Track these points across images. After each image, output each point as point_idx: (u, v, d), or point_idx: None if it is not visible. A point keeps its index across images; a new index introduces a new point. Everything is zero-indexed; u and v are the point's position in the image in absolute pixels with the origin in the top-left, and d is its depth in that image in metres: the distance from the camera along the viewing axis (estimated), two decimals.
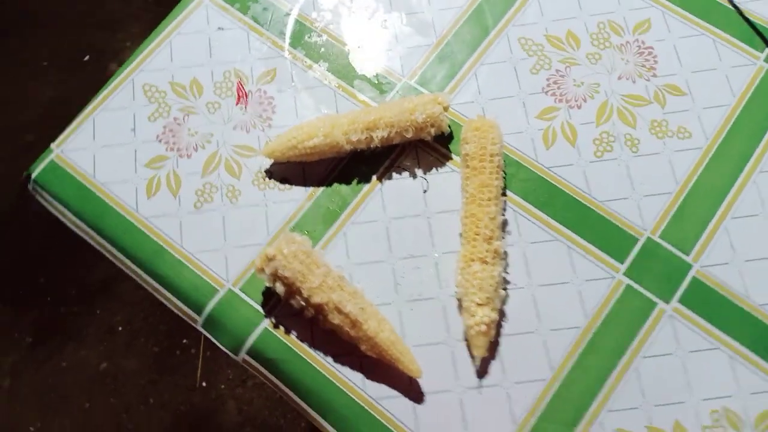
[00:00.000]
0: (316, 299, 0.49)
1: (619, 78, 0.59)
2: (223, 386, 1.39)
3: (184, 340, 1.40)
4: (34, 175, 0.58)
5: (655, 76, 0.59)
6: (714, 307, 0.51)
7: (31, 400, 1.41)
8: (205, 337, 0.53)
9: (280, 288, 0.50)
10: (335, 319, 0.49)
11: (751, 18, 0.60)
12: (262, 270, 0.50)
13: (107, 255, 0.57)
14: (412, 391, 0.50)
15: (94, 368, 1.43)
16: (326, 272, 0.50)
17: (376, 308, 0.51)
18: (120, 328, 1.45)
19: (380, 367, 0.50)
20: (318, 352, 0.52)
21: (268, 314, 0.53)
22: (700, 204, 0.54)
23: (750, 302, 0.51)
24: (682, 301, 0.52)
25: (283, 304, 0.52)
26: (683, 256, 0.53)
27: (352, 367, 0.51)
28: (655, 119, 0.57)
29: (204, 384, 1.40)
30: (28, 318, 1.48)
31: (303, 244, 0.51)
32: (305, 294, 0.49)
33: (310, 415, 0.51)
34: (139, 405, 1.39)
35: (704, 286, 0.52)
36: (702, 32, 0.60)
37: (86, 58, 1.66)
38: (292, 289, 0.50)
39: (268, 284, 0.51)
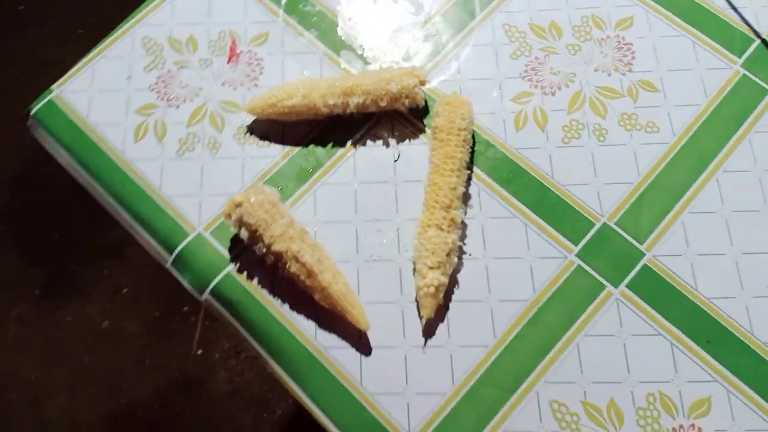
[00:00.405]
0: (277, 247, 0.52)
1: (596, 70, 0.61)
2: (217, 355, 1.42)
3: (185, 308, 1.43)
4: (33, 112, 0.62)
5: (630, 71, 0.60)
6: (661, 295, 0.53)
7: (34, 350, 1.45)
8: (206, 308, 0.55)
9: (244, 234, 0.53)
10: (293, 267, 0.52)
11: (734, 24, 0.62)
12: (229, 215, 0.53)
13: (92, 192, 0.60)
14: (361, 344, 0.52)
15: (97, 325, 1.47)
16: (289, 223, 0.53)
17: (334, 263, 0.53)
18: (125, 290, 1.49)
19: (333, 319, 0.52)
20: (276, 299, 0.54)
21: (233, 260, 0.55)
22: (660, 196, 0.56)
23: (698, 294, 0.53)
24: (630, 286, 0.53)
25: (248, 251, 0.55)
26: (636, 244, 0.54)
27: (307, 316, 0.53)
28: (626, 112, 0.59)
29: (199, 352, 1.43)
30: (39, 272, 1.52)
31: (270, 195, 0.54)
32: (267, 241, 0.52)
33: (263, 358, 0.53)
34: (134, 365, 1.43)
35: (654, 274, 0.54)
36: (683, 33, 0.62)
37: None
38: (255, 236, 0.53)
39: (233, 229, 0.54)
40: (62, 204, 1.54)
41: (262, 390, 1.35)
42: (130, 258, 1.49)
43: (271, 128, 0.60)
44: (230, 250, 0.56)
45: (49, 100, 0.62)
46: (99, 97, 0.62)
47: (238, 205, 0.52)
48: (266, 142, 0.60)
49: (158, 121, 0.61)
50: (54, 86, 0.63)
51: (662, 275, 0.53)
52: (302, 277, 0.52)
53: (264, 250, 0.53)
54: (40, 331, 1.47)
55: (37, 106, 0.62)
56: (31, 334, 1.47)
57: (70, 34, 1.73)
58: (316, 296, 0.52)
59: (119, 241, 1.49)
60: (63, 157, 0.60)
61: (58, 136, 0.61)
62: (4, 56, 1.70)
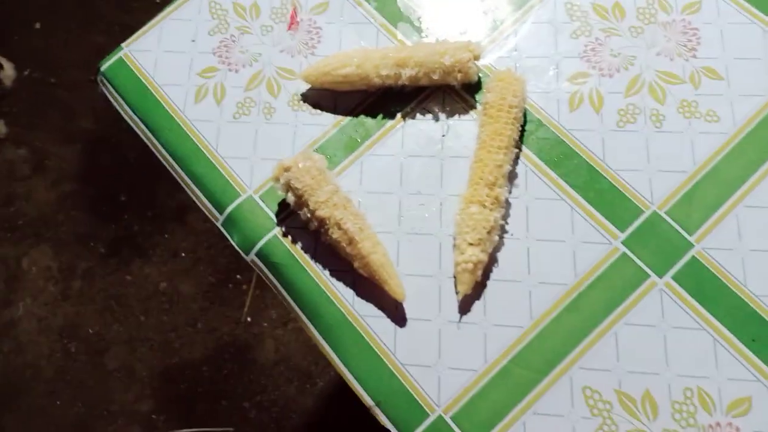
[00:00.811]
0: (320, 213, 0.53)
1: (658, 54, 0.59)
2: (265, 324, 1.46)
3: (238, 276, 1.48)
4: (102, 69, 0.65)
5: (694, 57, 0.58)
6: (708, 289, 0.51)
7: (95, 305, 1.53)
8: (257, 277, 0.57)
9: (290, 198, 0.54)
10: (335, 233, 0.53)
11: None
12: (277, 179, 0.55)
13: (151, 148, 0.63)
14: (396, 315, 0.53)
15: (155, 286, 1.54)
16: (334, 190, 0.54)
17: (375, 233, 0.54)
18: (183, 254, 1.55)
19: (371, 288, 0.53)
20: (317, 264, 0.55)
21: (279, 223, 0.57)
22: (715, 188, 0.54)
23: (746, 290, 0.51)
24: (675, 277, 0.52)
25: (294, 216, 0.56)
26: (686, 235, 0.53)
27: (346, 283, 0.55)
28: (686, 99, 0.57)
29: (249, 320, 1.47)
30: (105, 230, 1.59)
31: (318, 162, 0.55)
32: (311, 206, 0.53)
33: (300, 318, 0.55)
34: (186, 327, 1.48)
35: (702, 267, 0.52)
36: (753, 20, 0.59)
37: None
38: (301, 201, 0.54)
39: (281, 193, 0.55)
40: (132, 167, 1.60)
41: (306, 361, 1.38)
42: (190, 224, 1.54)
43: (324, 97, 0.61)
44: (277, 213, 0.57)
45: (119, 58, 0.65)
46: (165, 57, 0.64)
47: (287, 169, 0.54)
48: (318, 111, 0.61)
49: (218, 84, 0.63)
50: (123, 44, 0.65)
51: (710, 268, 0.52)
52: (343, 243, 0.53)
53: (309, 215, 0.54)
54: (103, 287, 1.54)
55: (107, 63, 0.65)
56: (93, 290, 1.54)
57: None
58: (356, 264, 0.53)
59: (181, 206, 1.54)
60: (128, 113, 0.63)
61: (124, 93, 0.63)
62: (88, 22, 1.77)
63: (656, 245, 0.53)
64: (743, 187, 0.54)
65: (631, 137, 0.56)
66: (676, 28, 0.59)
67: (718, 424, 0.48)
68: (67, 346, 1.46)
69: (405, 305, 0.53)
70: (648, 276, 0.52)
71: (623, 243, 0.53)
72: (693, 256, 0.52)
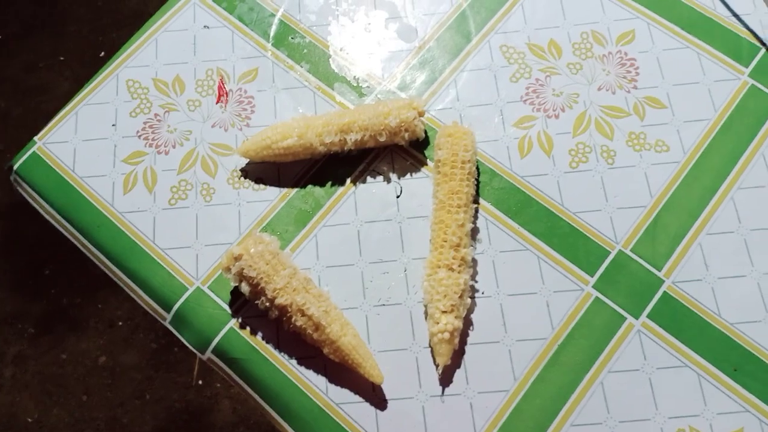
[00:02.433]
0: (280, 300, 0.49)
1: (599, 89, 0.58)
2: (218, 385, 1.39)
3: None
4: (15, 167, 0.59)
5: (635, 88, 0.58)
6: (684, 324, 0.51)
7: (31, 390, 1.42)
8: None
9: (245, 288, 0.50)
10: (299, 321, 0.49)
11: (739, 33, 0.60)
12: (228, 269, 0.51)
13: (81, 249, 0.57)
14: (375, 397, 0.50)
15: (93, 361, 1.45)
16: (292, 273, 0.50)
17: (341, 312, 0.51)
18: (120, 323, 1.46)
19: (344, 372, 0.50)
20: (283, 354, 0.52)
21: (235, 314, 0.53)
22: (675, 219, 0.54)
23: (721, 320, 0.51)
24: (651, 316, 0.51)
25: (250, 304, 0.52)
26: (655, 271, 0.52)
27: (317, 371, 0.51)
28: (633, 131, 0.57)
29: (200, 382, 1.40)
30: (32, 309, 1.49)
31: (270, 244, 0.51)
32: (270, 295, 0.50)
33: (271, 417, 0.51)
34: (134, 400, 1.40)
35: (675, 302, 0.51)
36: (687, 45, 0.59)
37: (102, 54, 1.68)
38: (257, 290, 0.50)
39: (233, 283, 0.51)
40: (51, 237, 1.51)
41: (266, 418, 1.33)
42: (123, 290, 1.46)
43: (266, 169, 0.57)
44: (231, 303, 0.53)
45: (33, 153, 0.59)
46: (84, 146, 0.59)
47: (237, 258, 0.50)
48: (262, 185, 0.57)
49: (147, 168, 0.58)
50: (36, 138, 0.60)
51: (683, 302, 0.51)
52: (309, 330, 0.49)
53: (267, 304, 0.50)
54: (37, 370, 1.44)
55: (20, 161, 0.59)
56: (27, 375, 1.44)
57: (51, 59, 1.70)
58: (325, 350, 0.49)
59: None
60: (50, 212, 0.58)
61: (43, 192, 0.58)
62: None
63: (627, 285, 0.52)
64: (702, 215, 0.54)
65: (586, 177, 0.55)
66: (614, 60, 0.59)
67: None
68: None
69: (383, 384, 0.50)
70: (624, 318, 0.51)
71: (594, 287, 0.52)
72: (665, 292, 0.52)
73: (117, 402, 1.40)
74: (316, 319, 0.49)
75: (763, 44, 0.59)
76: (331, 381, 0.50)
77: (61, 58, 1.71)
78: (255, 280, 0.50)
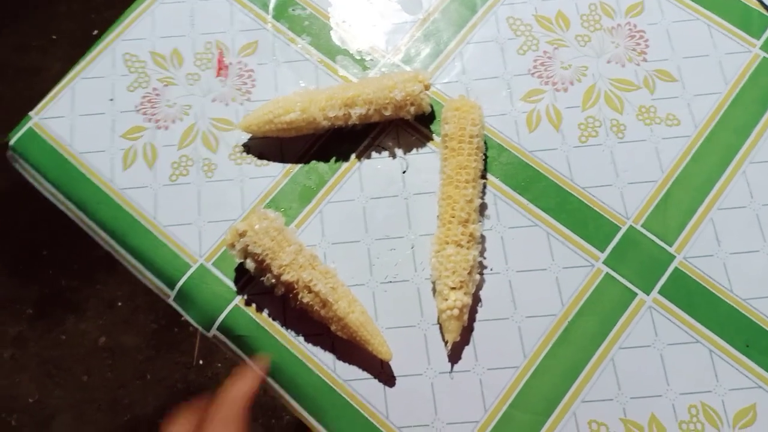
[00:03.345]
0: (287, 277, 0.48)
1: (608, 62, 0.57)
2: (219, 365, 1.39)
3: (183, 318, 1.40)
4: (11, 143, 0.58)
5: (645, 60, 0.57)
6: (695, 299, 0.50)
7: (31, 372, 1.42)
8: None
9: (250, 264, 0.49)
10: (305, 297, 0.48)
11: (749, 4, 0.58)
12: (232, 245, 0.50)
13: (82, 226, 0.56)
14: (383, 374, 0.49)
15: (93, 342, 1.44)
16: (298, 250, 0.49)
17: (348, 289, 0.50)
18: (120, 304, 1.45)
19: (352, 348, 0.49)
20: (289, 331, 0.51)
21: (240, 291, 0.52)
22: (686, 194, 0.53)
23: (733, 296, 0.50)
24: (662, 292, 0.50)
25: (255, 281, 0.51)
26: (666, 247, 0.51)
27: (324, 347, 0.50)
28: (643, 105, 0.55)
29: (201, 362, 1.40)
30: (30, 290, 1.48)
31: (275, 220, 0.50)
32: (275, 271, 0.48)
33: (279, 394, 0.50)
34: (135, 380, 1.40)
35: (686, 277, 0.51)
36: (697, 17, 0.58)
37: (95, 32, 1.65)
38: (263, 266, 0.49)
39: (238, 260, 0.50)
40: (48, 218, 1.49)
41: (268, 396, 1.33)
42: (122, 271, 1.44)
43: (269, 145, 0.56)
44: (236, 280, 0.52)
45: (29, 129, 0.57)
46: (82, 121, 0.58)
47: (242, 234, 0.49)
48: (264, 161, 0.56)
49: (147, 144, 0.56)
50: (32, 113, 0.58)
51: (695, 278, 0.51)
52: (316, 307, 0.48)
53: (273, 281, 0.49)
54: (37, 351, 1.43)
55: (16, 136, 0.57)
56: (27, 356, 1.43)
57: (42, 40, 1.67)
58: (333, 327, 0.48)
59: (110, 252, 1.45)
60: (49, 189, 0.56)
61: (41, 168, 0.56)
62: None
63: (638, 261, 0.51)
64: (714, 190, 0.53)
65: (596, 151, 0.54)
66: (623, 32, 0.58)
67: None
68: (8, 421, 1.35)
69: (391, 362, 0.49)
70: (635, 294, 0.50)
71: (605, 263, 0.51)
72: (676, 268, 0.51)
73: (118, 383, 1.40)
74: (323, 296, 0.48)
75: None
76: (338, 358, 0.50)
77: (53, 37, 1.68)
78: (260, 257, 0.49)
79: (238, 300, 0.52)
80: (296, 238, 0.50)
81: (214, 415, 0.42)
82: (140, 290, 1.43)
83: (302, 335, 0.50)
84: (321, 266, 0.50)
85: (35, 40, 1.68)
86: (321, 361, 0.50)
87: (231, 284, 0.52)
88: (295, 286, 0.48)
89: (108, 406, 1.39)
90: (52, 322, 1.46)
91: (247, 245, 0.49)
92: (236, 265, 0.52)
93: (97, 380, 1.41)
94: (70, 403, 1.40)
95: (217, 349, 0.53)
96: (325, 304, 0.48)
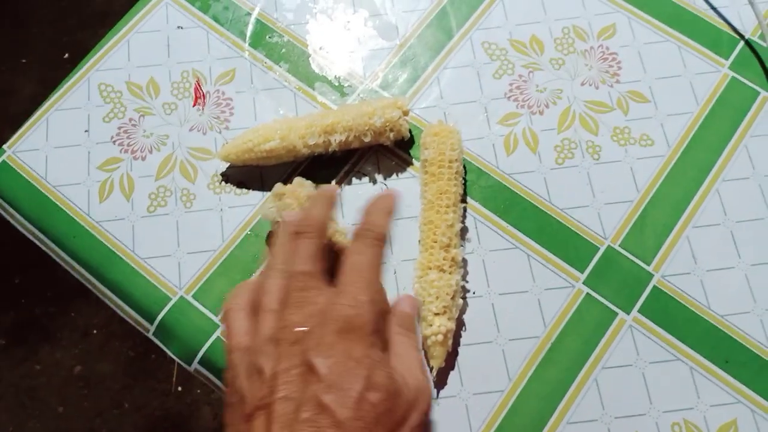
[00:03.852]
0: None
1: (582, 84, 0.58)
2: (198, 391, 1.37)
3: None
4: None
5: (618, 82, 0.58)
6: (674, 317, 0.51)
7: (5, 402, 1.39)
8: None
9: None
10: None
11: (718, 26, 0.60)
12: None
13: (58, 260, 0.55)
14: None
15: (68, 371, 1.41)
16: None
17: None
18: (95, 331, 1.43)
19: None
20: None
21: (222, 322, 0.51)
22: (662, 213, 0.54)
23: (711, 312, 0.51)
24: (642, 311, 0.51)
25: None
26: (644, 266, 0.52)
27: None
28: (618, 126, 0.56)
29: (179, 389, 1.38)
30: (3, 319, 1.45)
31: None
32: None
33: None
34: (112, 409, 1.37)
35: (665, 295, 0.51)
36: (667, 38, 0.59)
37: (66, 55, 1.64)
38: None
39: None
40: (19, 245, 1.46)
41: None
42: (97, 297, 1.42)
43: (248, 173, 0.56)
44: (217, 312, 0.52)
45: (2, 162, 0.57)
46: (56, 154, 0.57)
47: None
48: (244, 189, 0.55)
49: (124, 175, 0.56)
50: (5, 146, 0.57)
51: (673, 296, 0.51)
52: None
53: None
54: (11, 382, 1.40)
55: None
56: (1, 386, 1.40)
57: (13, 62, 1.65)
58: None
59: None
60: (23, 224, 0.55)
61: (14, 202, 0.55)
62: None
63: (617, 280, 0.52)
64: (689, 208, 0.54)
65: (572, 173, 0.55)
66: (596, 54, 0.59)
67: None
68: None
69: None
70: (616, 314, 0.51)
71: (585, 283, 0.52)
72: (654, 286, 0.52)
73: (94, 412, 1.37)
74: None
75: (741, 36, 0.59)
76: None
77: (23, 60, 1.66)
78: None
79: (220, 332, 0.51)
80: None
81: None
82: (115, 318, 1.40)
83: None
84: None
85: (6, 63, 1.66)
86: None
87: (212, 316, 0.51)
88: None
89: None
90: (26, 352, 1.43)
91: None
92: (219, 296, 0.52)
93: (73, 410, 1.39)
94: None
95: (195, 375, 0.52)
96: None
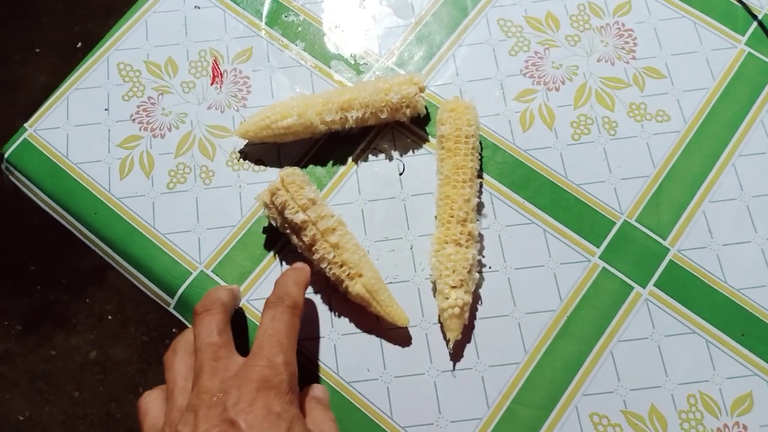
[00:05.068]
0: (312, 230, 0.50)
1: (598, 60, 0.58)
2: None
3: (174, 329, 1.39)
4: (6, 155, 0.58)
5: (634, 58, 0.58)
6: (690, 291, 0.51)
7: (21, 388, 1.40)
8: None
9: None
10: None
11: (733, 1, 0.60)
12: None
13: (80, 236, 0.56)
14: (386, 374, 0.50)
15: (84, 357, 1.43)
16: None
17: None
18: (110, 317, 1.44)
19: (354, 349, 0.50)
20: None
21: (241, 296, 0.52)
22: (678, 188, 0.54)
23: (727, 286, 0.51)
24: (658, 284, 0.51)
25: (255, 287, 0.52)
26: (660, 240, 0.52)
27: (326, 350, 0.51)
28: (634, 102, 0.57)
29: None
30: (18, 305, 1.47)
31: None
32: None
33: None
34: (127, 394, 1.39)
35: (681, 269, 0.52)
36: (683, 14, 0.59)
37: (78, 45, 1.65)
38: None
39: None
40: (34, 233, 1.48)
41: None
42: (111, 283, 1.44)
43: (266, 151, 0.56)
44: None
45: (24, 140, 0.57)
46: (77, 132, 0.58)
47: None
48: (262, 166, 0.56)
49: (144, 153, 0.57)
50: (26, 124, 0.58)
51: (689, 270, 0.52)
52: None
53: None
54: (26, 368, 1.42)
55: (10, 148, 0.57)
56: (16, 373, 1.42)
57: (25, 52, 1.66)
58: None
59: (97, 265, 1.43)
60: (45, 200, 0.56)
61: (36, 179, 0.56)
62: None
63: (633, 255, 0.52)
64: (705, 183, 0.54)
65: (589, 149, 0.55)
66: (611, 31, 0.59)
67: (726, 426, 0.48)
68: None
69: (394, 362, 0.50)
70: (632, 288, 0.51)
71: (601, 258, 0.52)
72: (670, 260, 0.52)
73: (110, 397, 1.39)
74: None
75: (753, 16, 0.59)
76: (340, 359, 0.50)
77: (37, 50, 1.67)
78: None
79: (241, 303, 0.52)
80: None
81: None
82: (130, 303, 1.42)
83: (304, 338, 0.51)
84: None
85: (18, 54, 1.67)
86: (324, 363, 0.50)
87: None
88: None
89: (100, 420, 1.38)
90: (41, 338, 1.44)
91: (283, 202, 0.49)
92: (237, 270, 0.53)
93: (88, 395, 1.40)
94: (62, 419, 1.39)
95: None
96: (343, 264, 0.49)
